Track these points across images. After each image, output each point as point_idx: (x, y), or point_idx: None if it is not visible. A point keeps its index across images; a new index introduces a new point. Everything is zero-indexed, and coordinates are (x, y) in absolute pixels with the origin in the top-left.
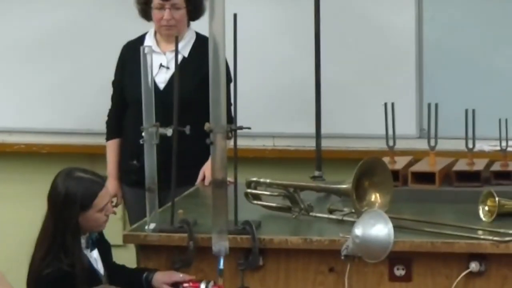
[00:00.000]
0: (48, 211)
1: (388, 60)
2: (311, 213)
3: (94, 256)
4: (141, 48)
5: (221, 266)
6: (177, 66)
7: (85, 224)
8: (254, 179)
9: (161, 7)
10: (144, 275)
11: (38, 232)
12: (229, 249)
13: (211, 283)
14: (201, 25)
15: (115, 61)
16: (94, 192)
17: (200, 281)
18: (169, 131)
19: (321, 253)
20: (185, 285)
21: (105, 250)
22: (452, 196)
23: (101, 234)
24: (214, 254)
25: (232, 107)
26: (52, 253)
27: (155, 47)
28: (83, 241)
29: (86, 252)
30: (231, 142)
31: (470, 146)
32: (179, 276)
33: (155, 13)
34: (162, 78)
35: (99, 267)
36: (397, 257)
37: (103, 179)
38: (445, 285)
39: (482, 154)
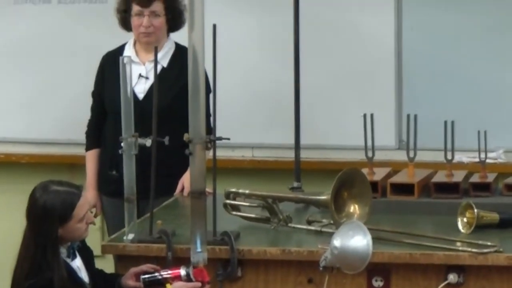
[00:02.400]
0: (28, 227)
1: (367, 71)
2: (289, 224)
3: (77, 264)
4: (120, 58)
5: (199, 249)
6: (156, 76)
7: (67, 235)
8: (233, 189)
9: (140, 14)
10: (117, 281)
11: (19, 247)
12: (207, 259)
13: (191, 268)
14: (181, 36)
15: (94, 71)
16: (72, 204)
17: (179, 267)
18: (148, 142)
19: (299, 264)
20: (163, 273)
21: (88, 258)
22: (430, 208)
23: (83, 242)
24: (192, 265)
25: (212, 118)
26: (35, 267)
27: (134, 57)
28: (64, 250)
29: (68, 261)
30: (210, 153)
31: (449, 157)
32: (139, 267)
33: (134, 20)
34: (141, 88)
35: (83, 275)
36: (375, 269)
37: (79, 189)
38: None
39: (461, 165)
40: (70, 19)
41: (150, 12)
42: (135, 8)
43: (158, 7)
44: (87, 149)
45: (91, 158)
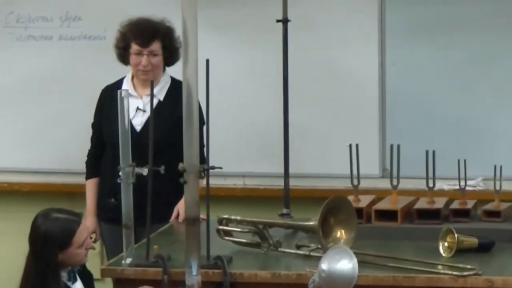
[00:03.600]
0: (30, 252)
1: (352, 103)
2: (279, 249)
3: (78, 287)
4: (118, 91)
5: (194, 272)
6: (152, 109)
7: (67, 260)
8: (225, 216)
9: (139, 53)
10: None
11: (22, 273)
12: (201, 282)
13: None
14: (175, 70)
15: (93, 104)
16: (72, 231)
17: None
18: (144, 171)
19: (288, 286)
20: None
21: (88, 281)
22: (413, 233)
23: (83, 266)
24: (187, 287)
25: (205, 148)
26: None
27: (132, 91)
28: (65, 274)
29: (69, 284)
30: (204, 181)
31: (431, 185)
32: None
33: (133, 58)
34: (138, 121)
35: None
36: None
37: (79, 216)
38: None
39: (441, 193)
40: (70, 54)
41: (148, 51)
42: (134, 47)
43: (156, 46)
44: (87, 178)
45: (90, 187)
